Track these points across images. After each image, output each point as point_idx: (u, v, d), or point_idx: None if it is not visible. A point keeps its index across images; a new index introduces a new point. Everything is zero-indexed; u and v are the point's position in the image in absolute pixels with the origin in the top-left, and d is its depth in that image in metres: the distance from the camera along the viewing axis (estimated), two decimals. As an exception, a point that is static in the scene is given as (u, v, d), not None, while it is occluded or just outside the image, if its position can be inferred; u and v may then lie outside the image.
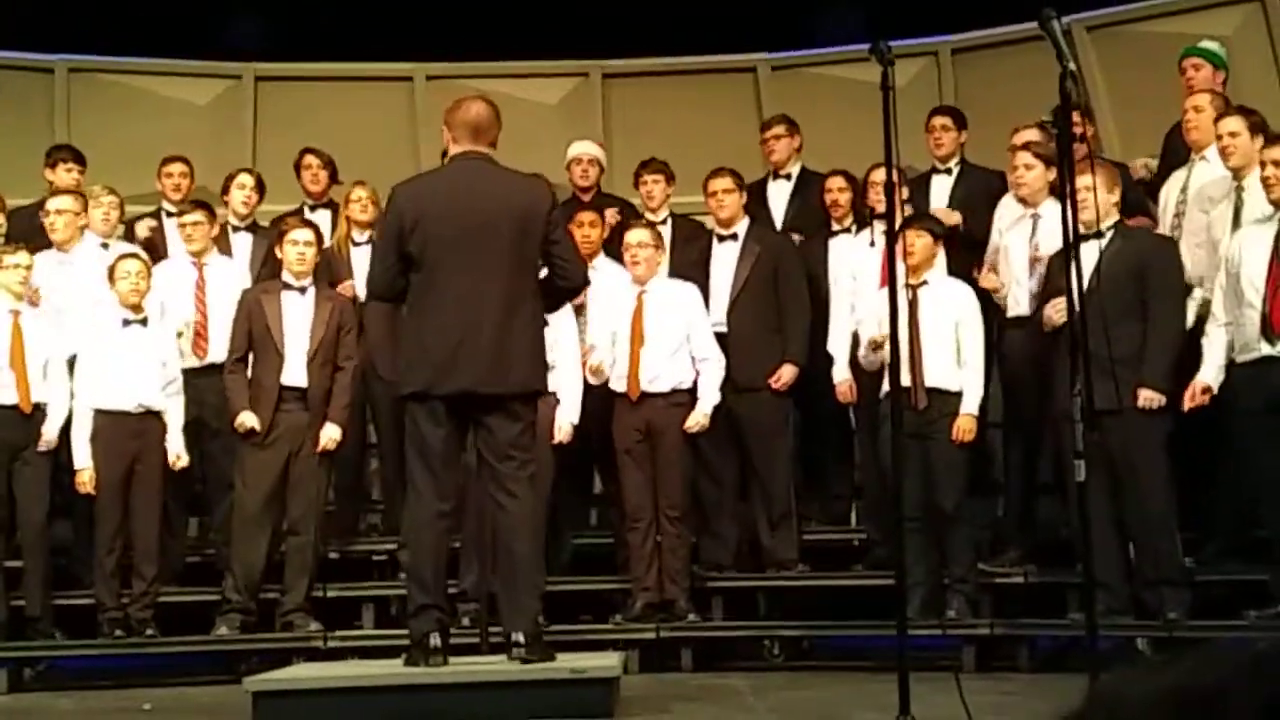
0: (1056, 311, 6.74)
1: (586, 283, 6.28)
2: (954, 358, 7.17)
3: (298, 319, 7.62)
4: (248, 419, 7.52)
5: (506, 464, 5.73)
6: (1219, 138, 6.90)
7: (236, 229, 8.55)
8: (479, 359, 5.66)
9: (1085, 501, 4.93)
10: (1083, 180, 6.63)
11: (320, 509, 7.71)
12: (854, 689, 6.76)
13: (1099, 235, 6.73)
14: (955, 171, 8.20)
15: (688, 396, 7.57)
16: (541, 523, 6.33)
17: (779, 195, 8.59)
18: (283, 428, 7.57)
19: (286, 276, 7.71)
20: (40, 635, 7.53)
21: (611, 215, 8.33)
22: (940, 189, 8.17)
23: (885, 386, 6.92)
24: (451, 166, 6.01)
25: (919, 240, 7.18)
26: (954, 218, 7.78)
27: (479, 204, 5.74)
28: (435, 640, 5.66)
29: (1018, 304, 7.33)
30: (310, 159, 8.88)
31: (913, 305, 7.14)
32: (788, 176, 8.61)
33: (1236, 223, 6.81)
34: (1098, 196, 6.57)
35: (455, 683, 5.61)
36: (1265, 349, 6.40)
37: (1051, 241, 7.02)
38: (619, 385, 7.59)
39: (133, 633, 7.52)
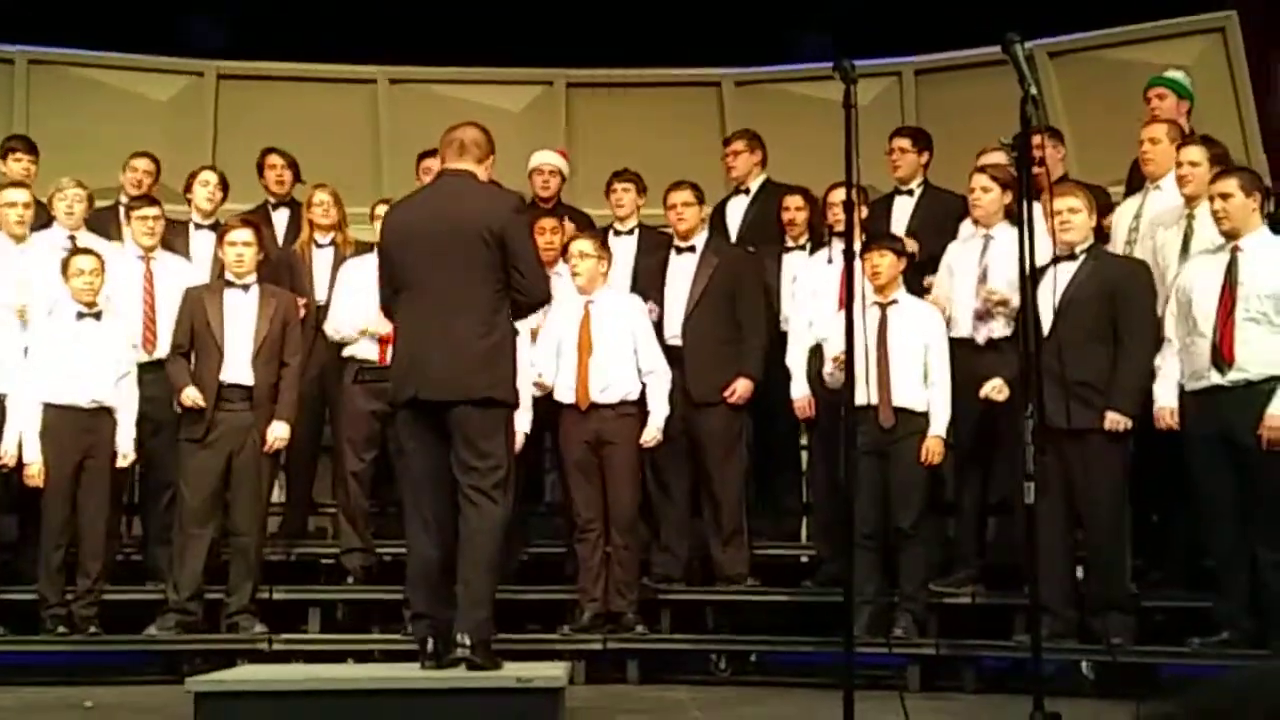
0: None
1: (547, 298, 6.35)
2: (921, 378, 7.18)
3: (240, 316, 7.56)
4: (192, 392, 7.44)
5: (469, 475, 5.76)
6: (1179, 164, 6.95)
7: (199, 226, 8.44)
8: (441, 367, 5.72)
9: (1034, 524, 4.94)
10: (1061, 202, 6.71)
11: (264, 509, 7.66)
12: (799, 705, 6.78)
13: (1073, 257, 6.75)
14: (917, 193, 8.23)
15: (635, 408, 7.55)
16: (503, 533, 6.22)
17: (736, 209, 8.61)
18: (224, 427, 7.49)
19: (228, 275, 7.67)
20: (-20, 630, 7.46)
21: (569, 229, 8.30)
22: (902, 210, 8.19)
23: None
24: (432, 185, 6.21)
25: (883, 260, 7.20)
26: (910, 245, 7.78)
27: (449, 219, 5.82)
28: (430, 645, 5.76)
29: (958, 324, 7.34)
30: (274, 159, 8.83)
31: (882, 324, 7.16)
32: (746, 191, 8.62)
33: (1185, 250, 6.87)
34: (1057, 219, 6.58)
35: (400, 689, 5.60)
36: (1215, 378, 6.43)
37: (1001, 264, 7.05)
38: (567, 396, 7.58)
39: (76, 630, 7.46)
